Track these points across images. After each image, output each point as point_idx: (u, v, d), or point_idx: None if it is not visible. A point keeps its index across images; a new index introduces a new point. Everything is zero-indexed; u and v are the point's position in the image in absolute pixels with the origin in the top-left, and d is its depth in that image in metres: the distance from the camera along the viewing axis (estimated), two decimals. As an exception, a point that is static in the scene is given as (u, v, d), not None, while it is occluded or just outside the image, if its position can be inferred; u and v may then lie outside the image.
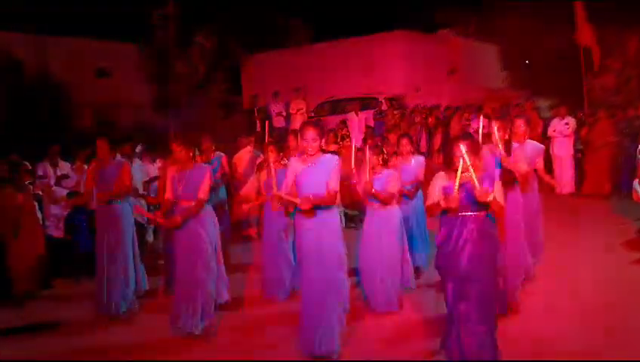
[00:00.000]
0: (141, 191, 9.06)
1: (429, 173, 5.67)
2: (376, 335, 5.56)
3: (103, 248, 6.56)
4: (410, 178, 7.16)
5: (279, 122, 16.08)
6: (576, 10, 15.46)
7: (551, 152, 12.49)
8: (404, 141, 7.35)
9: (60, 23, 18.42)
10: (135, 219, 6.93)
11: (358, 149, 7.06)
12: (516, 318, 5.52)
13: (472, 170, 4.14)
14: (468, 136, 4.62)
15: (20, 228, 7.44)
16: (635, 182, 6.91)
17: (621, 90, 15.99)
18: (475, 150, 4.34)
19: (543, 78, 21.89)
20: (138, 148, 10.62)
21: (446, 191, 4.37)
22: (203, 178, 5.75)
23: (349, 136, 12.68)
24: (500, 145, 5.60)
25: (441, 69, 21.15)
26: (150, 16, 14.95)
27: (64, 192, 8.73)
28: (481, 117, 5.85)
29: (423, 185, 7.42)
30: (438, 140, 16.20)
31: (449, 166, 4.45)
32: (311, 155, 4.96)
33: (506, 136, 5.86)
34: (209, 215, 5.88)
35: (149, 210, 8.59)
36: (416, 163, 7.31)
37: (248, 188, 8.25)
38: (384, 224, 6.13)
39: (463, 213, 4.39)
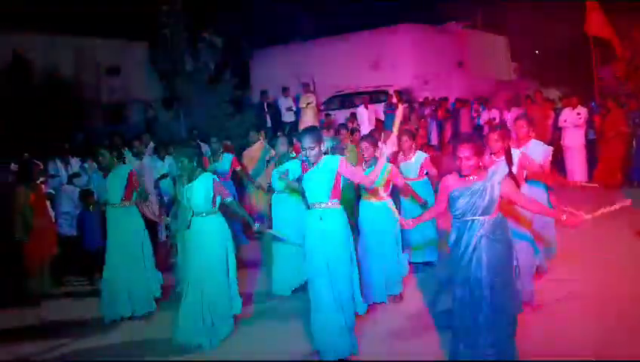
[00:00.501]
0: (151, 189, 9.10)
1: (439, 166, 5.65)
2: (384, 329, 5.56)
3: (112, 248, 6.56)
4: (412, 175, 7.15)
5: (289, 117, 16.18)
6: (585, -2, 15.31)
7: (562, 143, 12.43)
8: (405, 137, 7.32)
9: (68, 22, 18.48)
10: (146, 218, 6.94)
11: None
12: (528, 308, 5.47)
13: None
14: (470, 137, 4.52)
15: (32, 228, 7.48)
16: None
17: (631, 77, 15.84)
18: (478, 152, 4.27)
19: (552, 68, 21.77)
20: (149, 146, 10.70)
21: (453, 195, 4.34)
22: None
23: (358, 130, 12.65)
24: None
25: (449, 61, 21.04)
26: (159, 14, 14.99)
27: (76, 191, 8.79)
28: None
29: (432, 178, 7.42)
30: (448, 132, 16.23)
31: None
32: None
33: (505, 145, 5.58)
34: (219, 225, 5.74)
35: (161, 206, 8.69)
36: (417, 159, 7.31)
37: (261, 182, 8.32)
38: (379, 215, 6.07)
39: (472, 218, 4.30)
